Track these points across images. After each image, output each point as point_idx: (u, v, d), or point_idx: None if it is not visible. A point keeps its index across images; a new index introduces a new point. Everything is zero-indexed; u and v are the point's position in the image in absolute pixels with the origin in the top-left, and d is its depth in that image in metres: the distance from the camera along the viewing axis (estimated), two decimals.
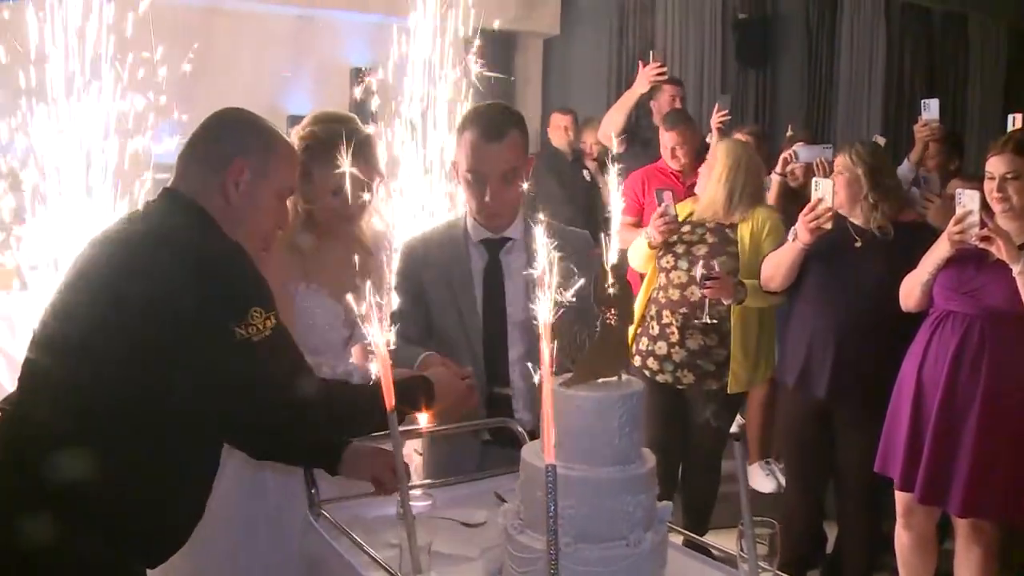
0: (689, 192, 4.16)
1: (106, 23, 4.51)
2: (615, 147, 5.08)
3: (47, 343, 1.79)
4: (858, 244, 3.39)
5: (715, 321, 3.61)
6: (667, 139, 4.53)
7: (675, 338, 3.67)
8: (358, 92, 4.67)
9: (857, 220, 3.42)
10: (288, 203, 2.37)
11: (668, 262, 3.72)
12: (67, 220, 4.62)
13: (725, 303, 3.62)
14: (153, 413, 1.72)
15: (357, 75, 6.91)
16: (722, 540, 2.10)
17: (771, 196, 4.40)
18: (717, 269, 3.53)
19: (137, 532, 1.75)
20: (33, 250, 4.61)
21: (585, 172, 6.09)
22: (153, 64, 4.72)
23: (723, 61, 8.80)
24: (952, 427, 3.04)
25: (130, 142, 4.74)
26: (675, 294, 3.68)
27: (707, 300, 3.59)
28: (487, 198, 2.39)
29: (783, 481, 4.37)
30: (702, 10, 8.64)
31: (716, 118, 5.06)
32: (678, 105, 5.08)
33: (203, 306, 1.69)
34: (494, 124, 2.38)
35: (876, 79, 9.32)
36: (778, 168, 4.48)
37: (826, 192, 3.28)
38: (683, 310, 3.66)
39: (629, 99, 4.94)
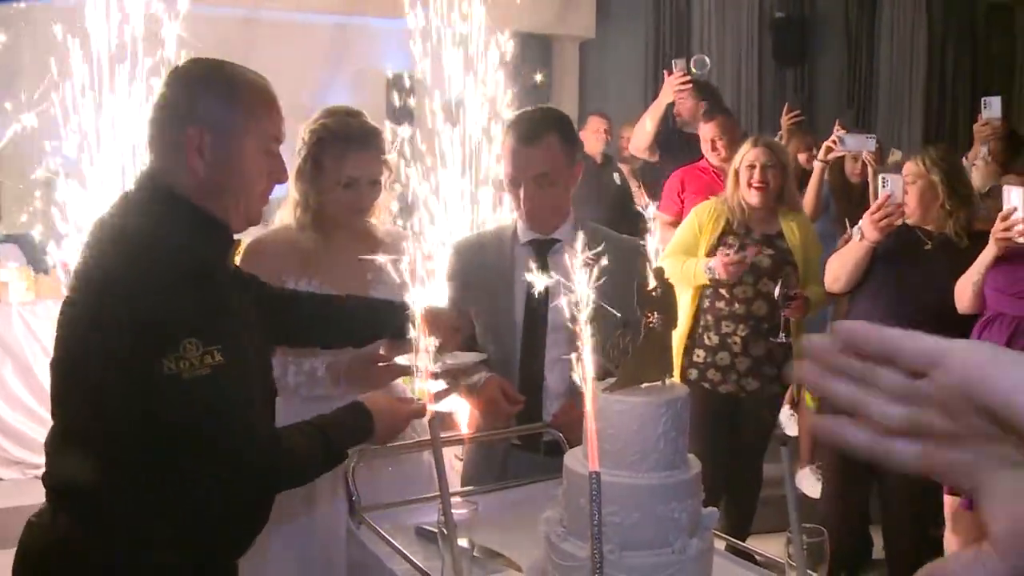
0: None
1: (142, 35, 4.58)
2: (648, 157, 5.04)
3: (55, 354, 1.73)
4: (928, 247, 3.26)
5: (790, 340, 3.48)
6: (706, 131, 4.41)
7: (738, 348, 3.59)
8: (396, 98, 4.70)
9: (929, 226, 3.29)
10: (298, 194, 2.36)
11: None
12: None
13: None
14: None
15: (393, 81, 6.97)
16: (764, 545, 2.07)
17: (812, 183, 4.30)
18: (798, 290, 3.46)
19: (191, 539, 1.71)
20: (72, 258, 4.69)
21: (616, 175, 6.06)
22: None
23: (760, 61, 8.74)
24: None
25: None
26: (740, 308, 3.57)
27: (785, 320, 3.47)
28: (522, 201, 2.40)
29: None
30: (738, 10, 8.58)
31: (787, 119, 4.96)
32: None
33: (130, 335, 1.55)
34: (530, 127, 2.39)
35: (917, 76, 9.16)
36: (820, 155, 4.31)
37: (895, 188, 3.16)
38: (750, 322, 3.58)
39: (656, 110, 4.90)
